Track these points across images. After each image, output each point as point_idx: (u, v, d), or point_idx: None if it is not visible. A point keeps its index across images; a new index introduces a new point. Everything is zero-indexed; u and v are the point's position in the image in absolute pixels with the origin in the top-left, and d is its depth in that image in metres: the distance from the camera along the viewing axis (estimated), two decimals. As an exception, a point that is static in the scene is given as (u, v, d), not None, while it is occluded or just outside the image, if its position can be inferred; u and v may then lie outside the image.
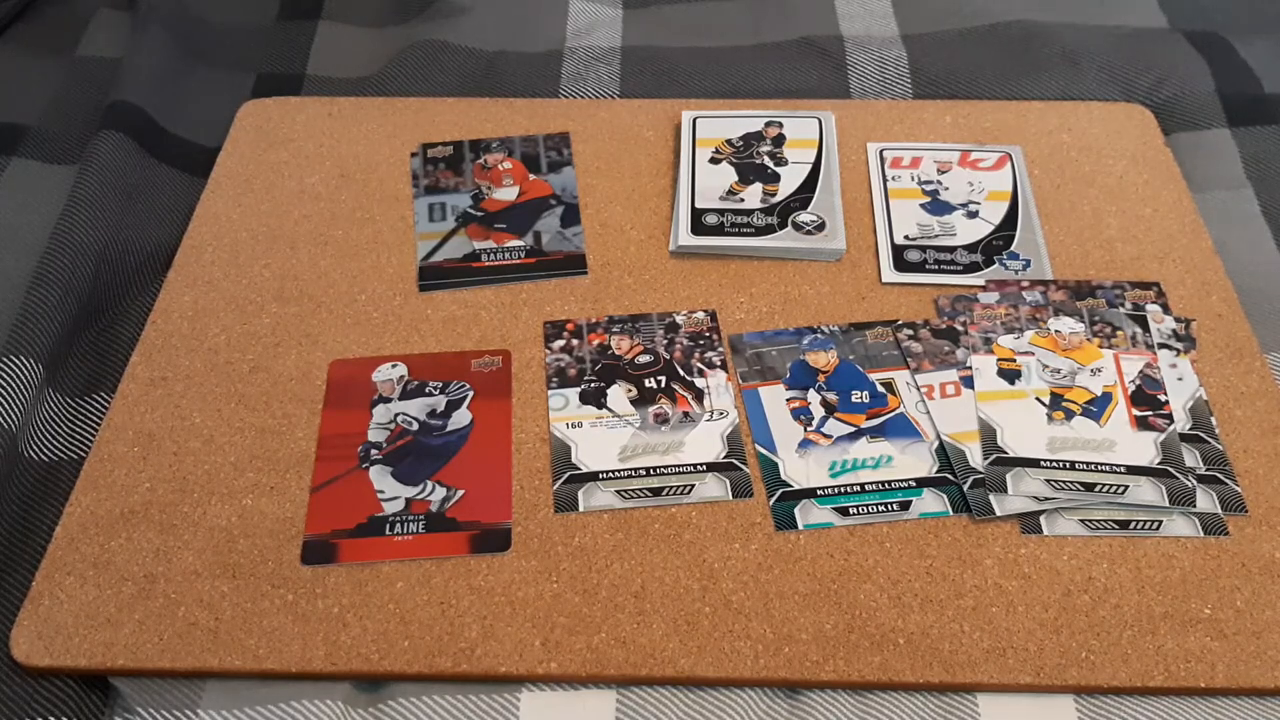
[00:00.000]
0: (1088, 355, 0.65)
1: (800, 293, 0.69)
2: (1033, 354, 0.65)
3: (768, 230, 0.72)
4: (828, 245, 0.71)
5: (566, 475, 0.60)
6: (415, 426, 0.63)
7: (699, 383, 0.64)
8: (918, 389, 0.64)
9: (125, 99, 0.81)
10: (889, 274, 0.70)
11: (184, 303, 0.69)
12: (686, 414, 0.63)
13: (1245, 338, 0.66)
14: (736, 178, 0.75)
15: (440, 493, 0.60)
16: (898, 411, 0.63)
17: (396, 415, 0.63)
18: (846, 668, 0.53)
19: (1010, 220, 0.73)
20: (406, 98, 0.83)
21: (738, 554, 0.57)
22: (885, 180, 0.76)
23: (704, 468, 0.60)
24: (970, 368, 0.65)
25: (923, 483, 0.60)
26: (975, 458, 0.60)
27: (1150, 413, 0.62)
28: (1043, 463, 0.60)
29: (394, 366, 0.66)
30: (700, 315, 0.68)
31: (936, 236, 0.72)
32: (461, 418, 0.63)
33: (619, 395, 0.64)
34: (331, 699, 0.53)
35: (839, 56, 0.86)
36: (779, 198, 0.74)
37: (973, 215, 0.73)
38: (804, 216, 0.72)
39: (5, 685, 0.53)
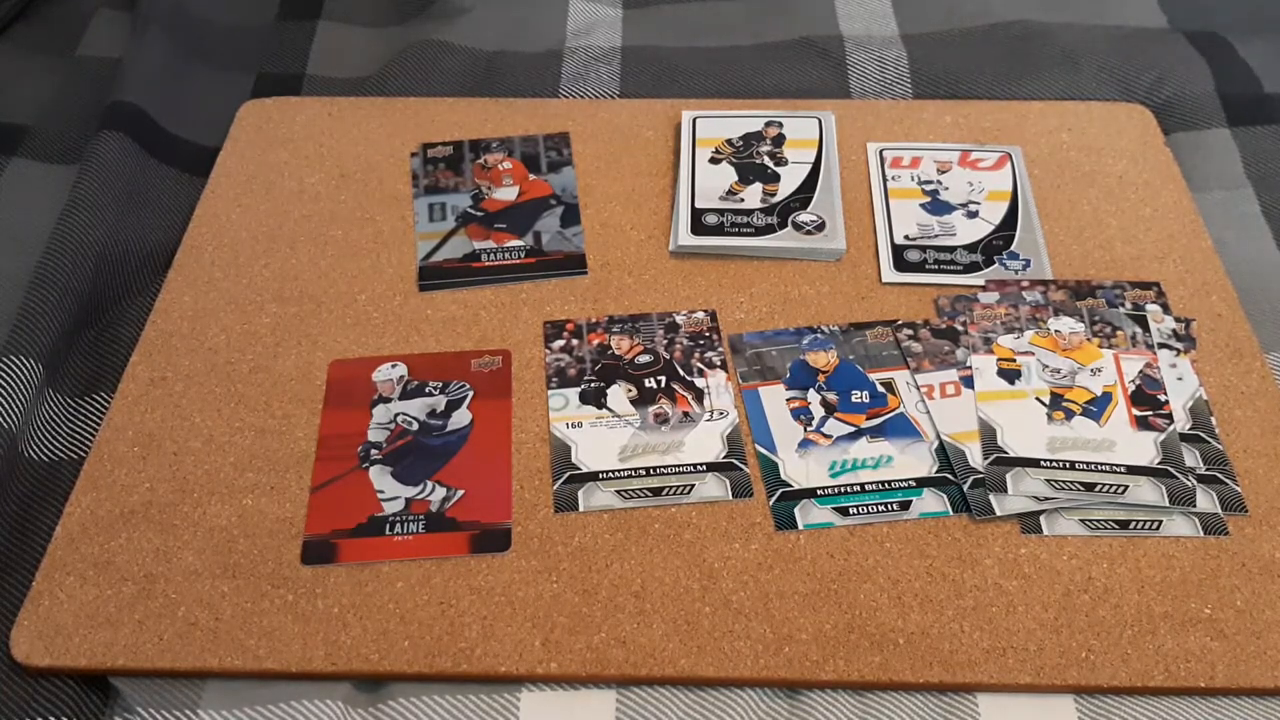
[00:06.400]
0: (1088, 355, 0.65)
1: (800, 293, 0.69)
2: (1033, 354, 0.65)
3: (768, 230, 0.72)
4: (828, 245, 0.71)
5: (566, 475, 0.60)
6: (415, 426, 0.63)
7: (699, 383, 0.64)
8: (918, 389, 0.64)
9: (125, 99, 0.81)
10: (889, 274, 0.70)
11: (184, 303, 0.69)
12: (686, 414, 0.63)
13: (1245, 338, 0.66)
14: (736, 178, 0.75)
15: (440, 493, 0.60)
16: (898, 411, 0.63)
17: (396, 415, 0.63)
18: (846, 668, 0.53)
19: (1010, 220, 0.73)
20: (406, 98, 0.83)
21: (738, 554, 0.57)
22: (885, 180, 0.76)
23: (704, 468, 0.60)
24: (970, 368, 0.65)
25: (923, 483, 0.60)
26: (975, 458, 0.60)
27: (1150, 413, 0.62)
28: (1043, 463, 0.60)
29: (394, 366, 0.66)
30: (700, 315, 0.68)
31: (936, 236, 0.72)
32: (461, 418, 0.63)
33: (619, 395, 0.64)
34: (331, 699, 0.53)
35: (839, 56, 0.86)
36: (779, 198, 0.74)
37: (973, 215, 0.73)
38: (804, 216, 0.72)
39: (5, 685, 0.53)
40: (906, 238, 0.72)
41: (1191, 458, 0.60)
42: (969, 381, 0.64)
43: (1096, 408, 0.62)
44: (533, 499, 0.59)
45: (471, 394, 0.64)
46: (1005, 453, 0.60)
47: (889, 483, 0.59)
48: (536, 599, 0.55)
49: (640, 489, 0.59)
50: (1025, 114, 0.80)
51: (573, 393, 0.64)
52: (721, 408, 0.63)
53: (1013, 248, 0.71)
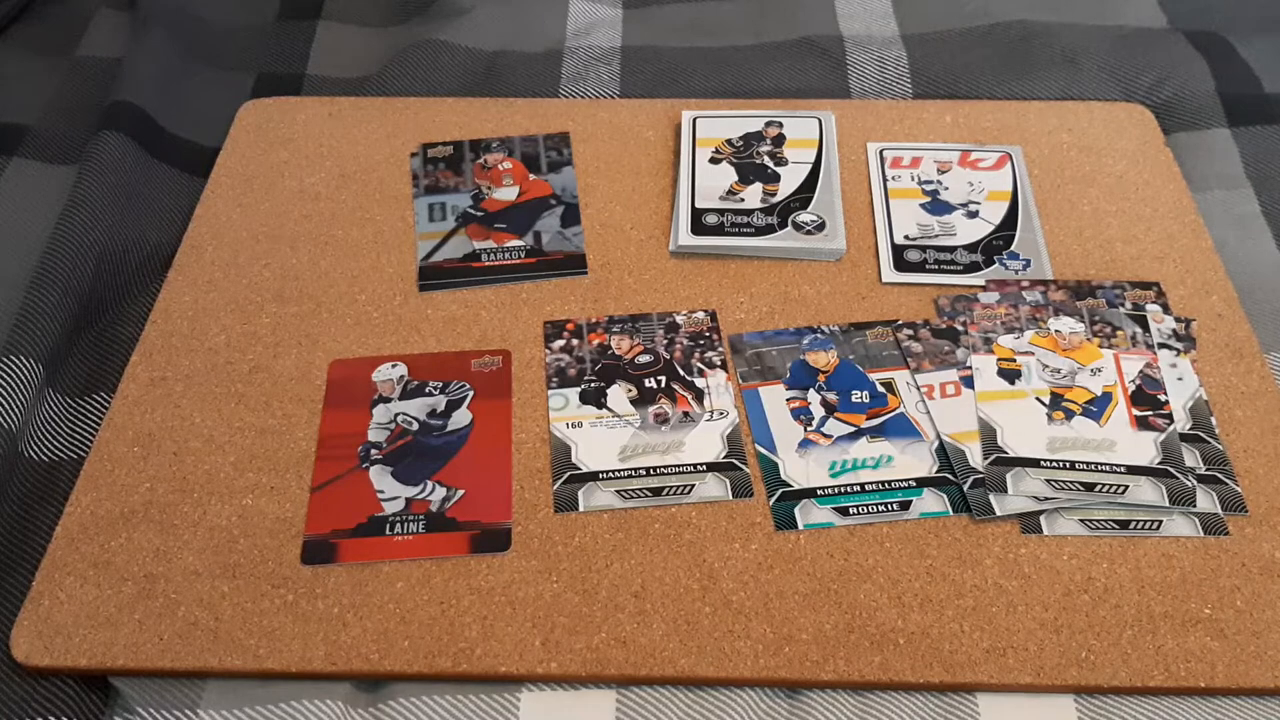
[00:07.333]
0: (1088, 355, 0.65)
1: (800, 293, 0.69)
2: (1033, 354, 0.65)
3: (768, 230, 0.72)
4: (828, 245, 0.71)
5: (566, 475, 0.60)
6: (415, 426, 0.63)
7: (699, 383, 0.64)
8: (918, 389, 0.64)
9: (125, 99, 0.81)
10: (889, 274, 0.70)
11: (184, 303, 0.69)
12: (686, 414, 0.63)
13: (1245, 338, 0.66)
14: (736, 178, 0.75)
15: (440, 493, 0.60)
16: (898, 411, 0.63)
17: (396, 415, 0.63)
18: (846, 668, 0.53)
19: (1010, 220, 0.73)
20: (406, 98, 0.83)
21: (738, 554, 0.57)
22: (885, 180, 0.76)
23: (704, 468, 0.60)
24: (970, 368, 0.65)
25: (923, 483, 0.60)
26: (975, 458, 0.60)
27: (1150, 413, 0.62)
28: (1043, 463, 0.60)
29: (394, 366, 0.66)
30: (700, 315, 0.68)
31: (936, 236, 0.72)
32: (461, 418, 0.63)
33: (619, 395, 0.64)
34: (331, 699, 0.53)
35: (839, 56, 0.86)
36: (779, 198, 0.74)
37: (973, 215, 0.73)
38: (804, 216, 0.72)
39: (5, 685, 0.53)
40: (906, 238, 0.72)
41: (1191, 458, 0.60)
42: (969, 381, 0.64)
43: (1096, 408, 0.62)
44: (533, 499, 0.59)
45: (471, 394, 0.64)
46: (1005, 453, 0.60)
47: (889, 483, 0.59)
48: (536, 599, 0.55)
49: (640, 489, 0.59)
50: (1025, 114, 0.80)
51: (573, 393, 0.64)
52: (721, 408, 0.63)
53: (1013, 248, 0.71)
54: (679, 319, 0.68)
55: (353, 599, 0.55)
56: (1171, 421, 0.61)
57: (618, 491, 0.59)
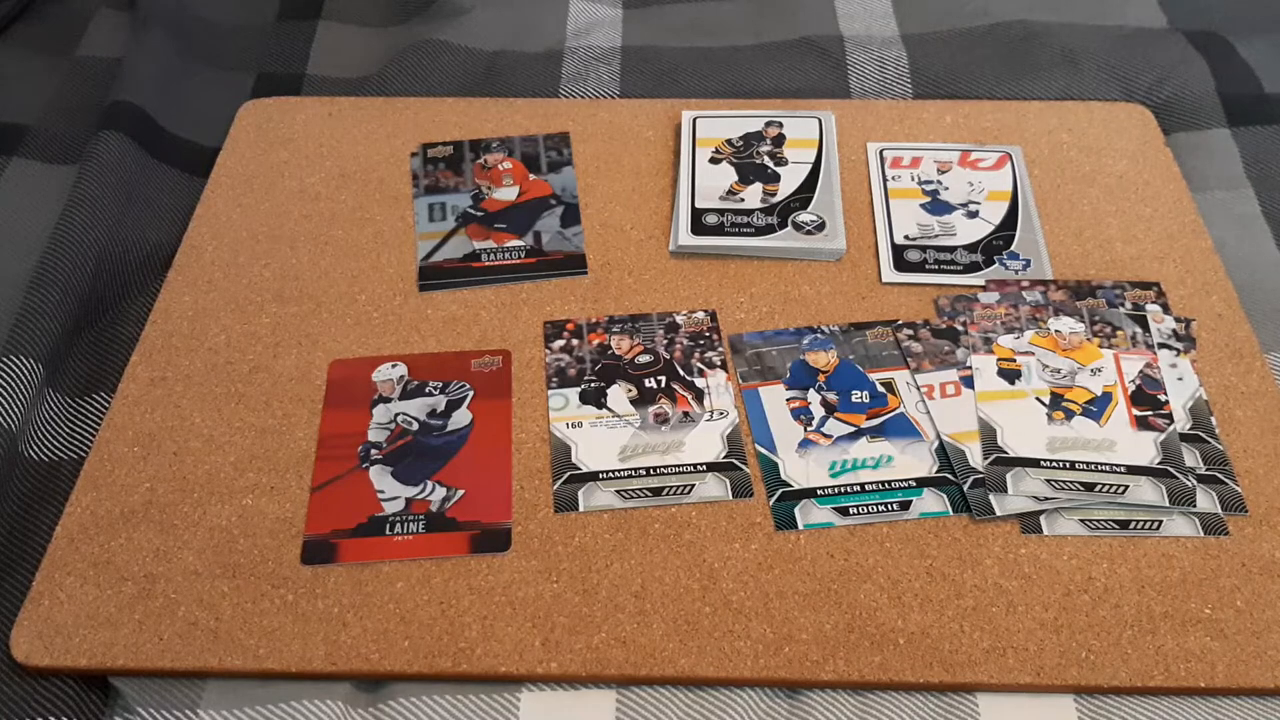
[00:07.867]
0: (1088, 355, 0.65)
1: (800, 293, 0.69)
2: (1033, 354, 0.65)
3: (768, 230, 0.72)
4: (828, 245, 0.71)
5: (566, 475, 0.60)
6: (415, 426, 0.63)
7: (699, 383, 0.64)
8: (918, 389, 0.64)
9: (125, 99, 0.81)
10: (889, 274, 0.70)
11: (184, 303, 0.69)
12: (686, 414, 0.63)
13: (1245, 338, 0.66)
14: (736, 178, 0.75)
15: (440, 493, 0.60)
16: (898, 411, 0.63)
17: (396, 415, 0.63)
18: (846, 668, 0.53)
19: (1010, 220, 0.73)
20: (406, 98, 0.83)
21: (738, 554, 0.57)
22: (885, 180, 0.76)
23: (704, 468, 0.60)
24: (970, 368, 0.65)
25: (923, 483, 0.60)
26: (975, 458, 0.60)
27: (1150, 413, 0.62)
28: (1043, 463, 0.60)
29: (394, 366, 0.66)
30: (700, 315, 0.68)
31: (936, 236, 0.72)
32: (461, 418, 0.63)
33: (619, 395, 0.64)
34: (331, 699, 0.53)
35: (839, 56, 0.86)
36: (779, 198, 0.74)
37: (973, 215, 0.73)
38: (804, 216, 0.72)
39: (5, 685, 0.53)
40: (906, 238, 0.72)
41: (1191, 458, 0.60)
42: (969, 381, 0.64)
43: (1096, 408, 0.62)
44: (533, 499, 0.59)
45: (471, 394, 0.64)
46: (1005, 453, 0.60)
47: (889, 483, 0.59)
48: (536, 599, 0.55)
49: (640, 489, 0.59)
50: (1025, 114, 0.80)
51: (573, 393, 0.64)
52: (721, 408, 0.63)
53: (1013, 248, 0.71)
54: (679, 319, 0.68)
55: (353, 599, 0.55)
56: (1171, 421, 0.61)
57: (618, 491, 0.59)
